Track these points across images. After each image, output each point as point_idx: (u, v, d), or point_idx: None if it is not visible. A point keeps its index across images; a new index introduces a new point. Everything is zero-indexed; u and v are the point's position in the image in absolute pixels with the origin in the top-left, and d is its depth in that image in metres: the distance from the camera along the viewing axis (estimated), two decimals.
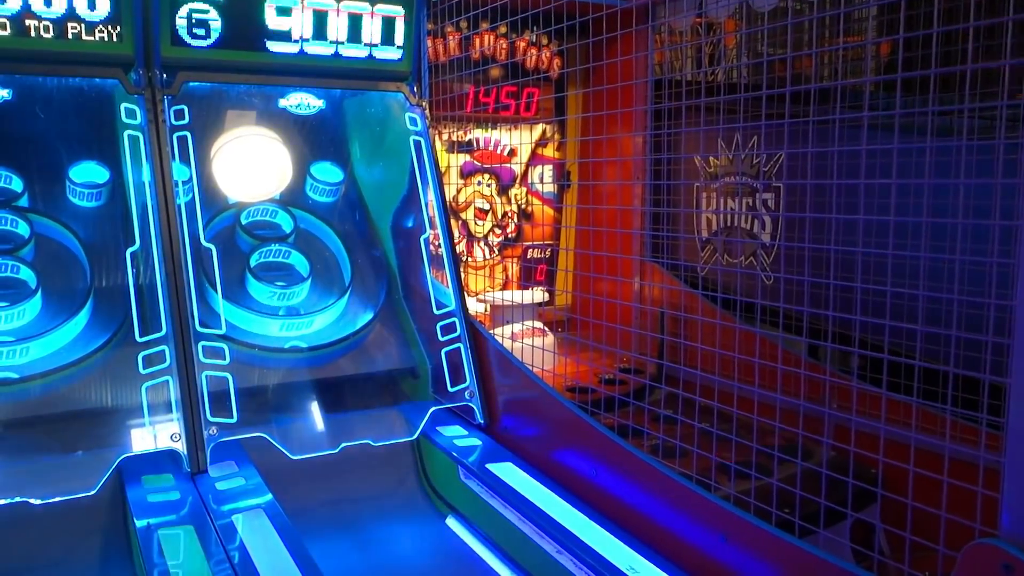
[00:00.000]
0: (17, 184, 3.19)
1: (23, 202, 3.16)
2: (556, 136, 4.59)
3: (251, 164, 3.62)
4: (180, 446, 2.74)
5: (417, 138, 3.54)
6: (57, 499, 2.51)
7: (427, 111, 3.59)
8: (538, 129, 4.60)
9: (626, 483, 2.56)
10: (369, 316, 3.58)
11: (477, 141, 4.46)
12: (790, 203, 3.45)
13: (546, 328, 4.10)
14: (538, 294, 4.47)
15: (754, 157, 3.65)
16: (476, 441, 3.16)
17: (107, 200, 3.30)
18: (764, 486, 2.54)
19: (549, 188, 4.66)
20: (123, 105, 2.99)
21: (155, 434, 2.74)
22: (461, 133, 4.38)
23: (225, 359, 2.91)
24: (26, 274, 3.06)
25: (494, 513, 2.80)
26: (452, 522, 3.02)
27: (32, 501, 2.47)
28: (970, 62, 1.75)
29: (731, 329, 3.22)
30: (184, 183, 3.09)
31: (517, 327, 3.95)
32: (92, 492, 2.57)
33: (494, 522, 2.80)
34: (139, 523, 2.41)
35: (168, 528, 2.40)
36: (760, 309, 3.34)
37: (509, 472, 2.89)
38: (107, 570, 2.63)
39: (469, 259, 4.41)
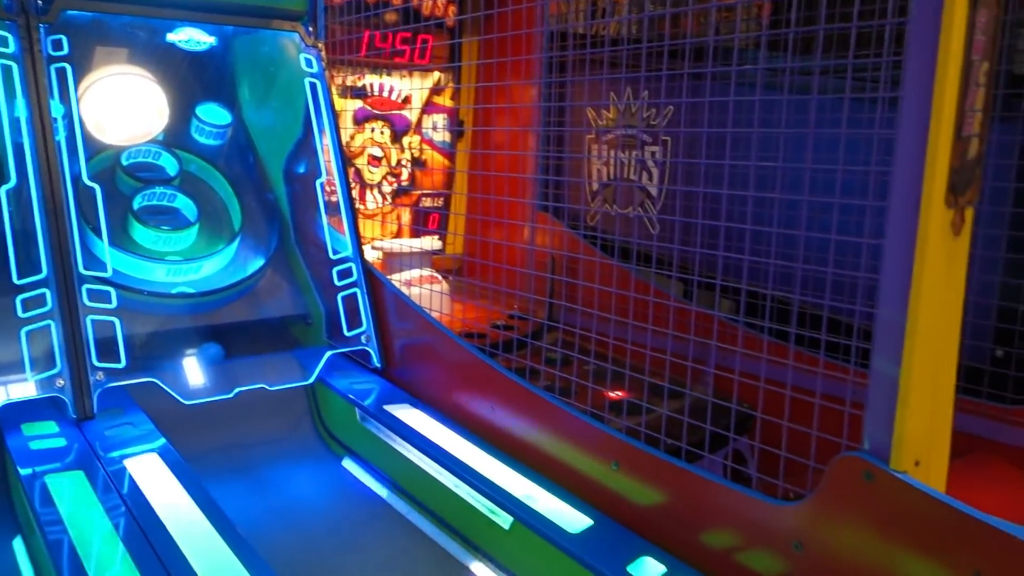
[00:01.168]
0: None
1: None
2: (450, 84, 4.58)
3: (128, 103, 3.45)
4: (64, 392, 2.64)
5: (313, 80, 3.47)
6: None
7: (323, 53, 3.52)
8: (433, 77, 4.57)
9: (521, 419, 2.66)
10: (261, 262, 3.52)
11: (371, 87, 4.40)
12: (676, 155, 3.60)
13: (440, 275, 4.14)
14: (432, 242, 4.50)
15: (644, 110, 3.78)
16: (373, 384, 3.19)
17: None
18: (653, 419, 2.70)
19: (443, 137, 4.66)
20: None
21: (36, 380, 2.62)
22: (355, 78, 4.30)
23: (111, 303, 2.81)
24: None
25: (392, 452, 2.85)
26: (349, 463, 3.06)
27: None
28: (822, 23, 1.90)
29: (614, 274, 3.37)
30: (63, 119, 2.92)
31: (411, 274, 3.97)
32: None
33: (392, 461, 2.86)
34: (23, 471, 2.32)
35: (55, 475, 2.33)
36: (637, 253, 3.50)
37: (407, 413, 2.95)
38: None
39: (362, 207, 4.37)
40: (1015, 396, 2.63)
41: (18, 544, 2.36)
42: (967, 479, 2.47)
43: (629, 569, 2.06)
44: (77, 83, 3.06)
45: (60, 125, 2.88)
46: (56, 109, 2.91)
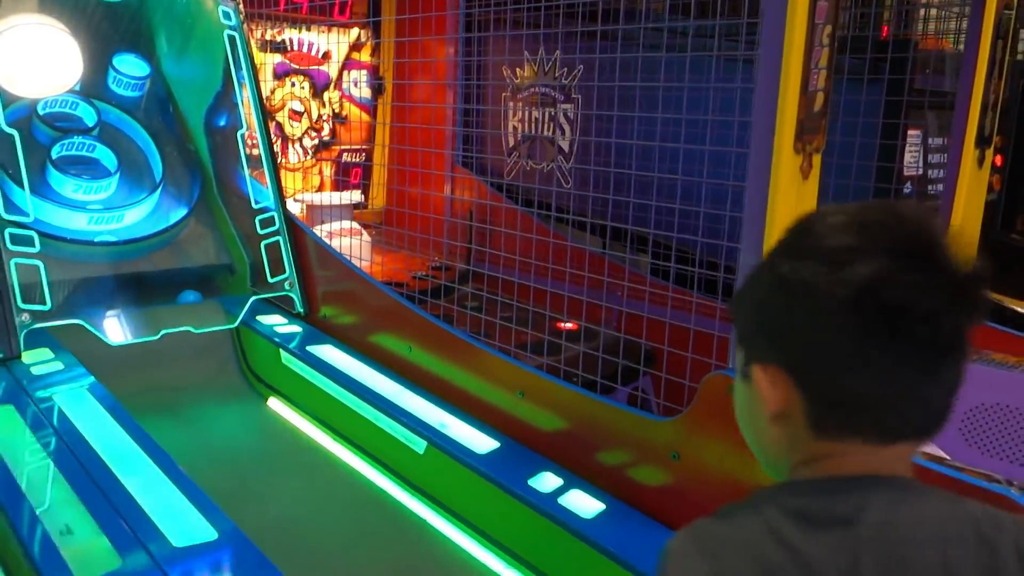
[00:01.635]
0: None
1: None
2: (370, 40, 4.67)
3: (42, 54, 3.45)
4: None
5: (231, 33, 3.54)
6: None
7: (240, 6, 3.58)
8: (352, 32, 4.65)
9: (436, 357, 2.86)
10: (183, 212, 3.60)
11: (290, 42, 4.46)
12: (586, 115, 3.81)
13: (362, 228, 4.27)
14: (354, 196, 4.62)
15: (556, 69, 3.96)
16: (297, 328, 3.33)
17: None
18: (555, 361, 2.93)
19: (363, 93, 4.75)
20: None
21: None
22: (274, 32, 4.36)
23: (35, 247, 2.87)
24: None
25: (315, 389, 3.02)
26: (274, 402, 3.21)
27: None
28: None
29: (530, 228, 3.58)
30: None
31: (333, 226, 4.09)
32: None
33: (315, 397, 3.03)
34: None
35: None
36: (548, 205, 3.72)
37: (329, 352, 3.11)
38: None
39: (284, 160, 4.45)
40: None
41: None
42: None
43: (530, 483, 2.29)
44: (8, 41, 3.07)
45: None
46: None
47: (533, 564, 2.20)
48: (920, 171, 3.12)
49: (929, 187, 3.13)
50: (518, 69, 4.10)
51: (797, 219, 0.85)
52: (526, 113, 4.14)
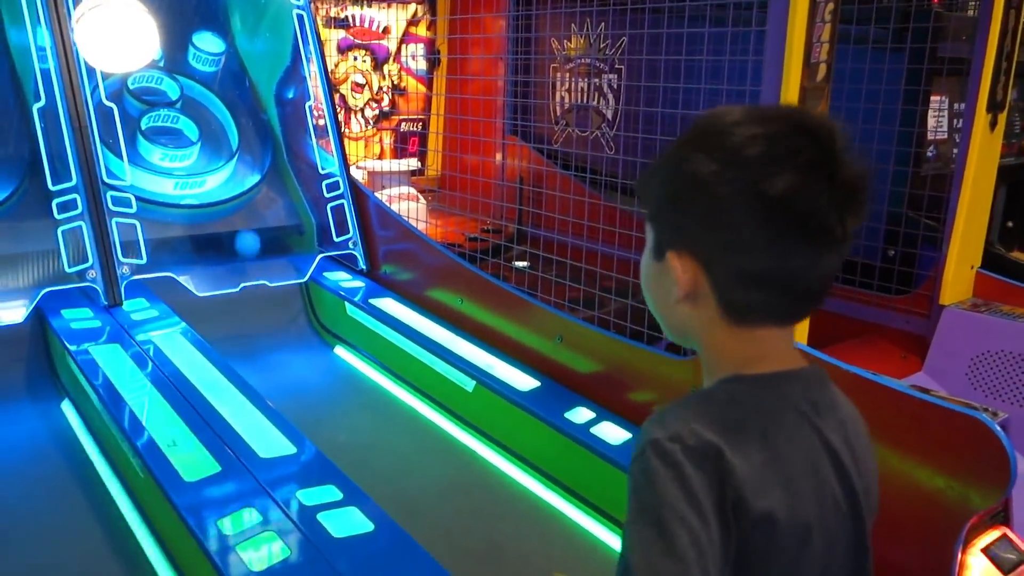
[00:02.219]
0: None
1: None
2: (427, 16, 4.94)
3: (129, 31, 3.78)
4: (96, 283, 3.10)
5: (300, 11, 3.85)
6: None
7: None
8: (410, 8, 4.93)
9: (485, 308, 3.15)
10: (257, 178, 3.94)
11: (353, 18, 4.76)
12: (628, 85, 4.02)
13: (418, 193, 4.58)
14: (412, 163, 4.93)
15: (601, 41, 4.18)
16: (360, 283, 3.66)
17: None
18: (601, 314, 3.19)
19: (421, 65, 5.04)
20: None
21: (72, 272, 3.07)
22: (338, 10, 4.66)
23: (132, 208, 3.24)
24: None
25: (377, 337, 3.35)
26: (340, 350, 3.55)
27: None
28: None
29: (576, 191, 3.83)
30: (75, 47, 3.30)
31: (393, 191, 4.41)
32: (21, 320, 2.92)
33: (376, 345, 3.36)
34: (71, 346, 2.79)
35: (97, 348, 2.81)
36: (595, 171, 3.96)
37: (389, 304, 3.43)
38: (31, 385, 3.01)
39: (347, 130, 4.77)
40: (899, 288, 3.13)
41: (66, 406, 2.86)
42: (857, 352, 2.99)
43: (566, 415, 2.57)
44: (84, 14, 3.42)
45: (75, 52, 3.26)
46: (70, 38, 3.28)
47: (568, 485, 2.49)
48: (945, 135, 3.27)
49: (955, 150, 3.27)
50: (565, 42, 4.33)
51: (705, 117, 0.91)
52: (573, 84, 4.37)
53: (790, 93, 1.98)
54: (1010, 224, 3.84)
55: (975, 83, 2.63)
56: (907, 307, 3.05)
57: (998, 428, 1.79)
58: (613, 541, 2.32)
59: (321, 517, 1.94)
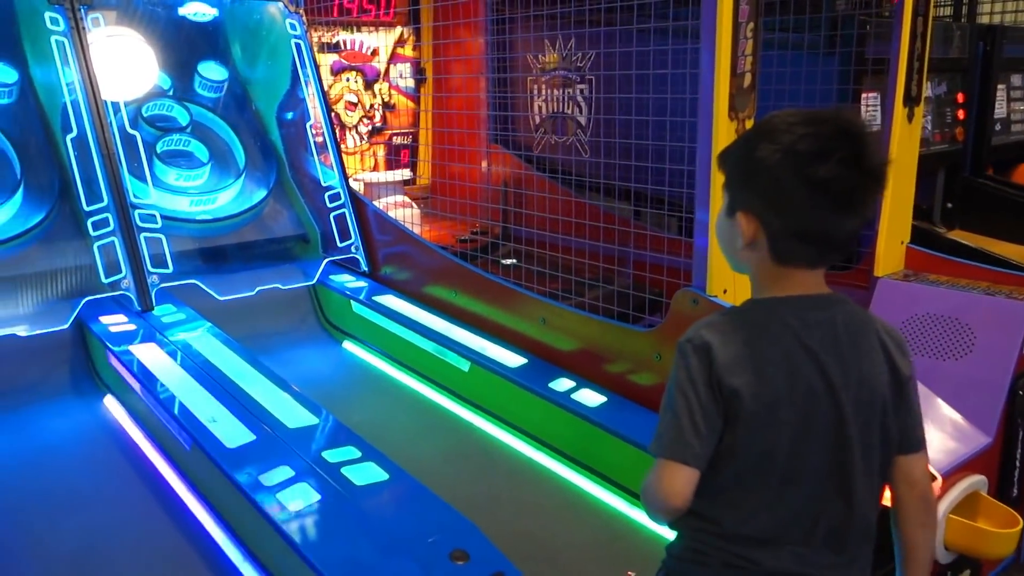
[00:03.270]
0: None
1: None
2: (412, 37, 5.34)
3: (142, 65, 4.16)
4: (129, 291, 3.47)
5: (298, 40, 4.24)
6: (38, 332, 3.22)
7: (304, 17, 4.27)
8: (396, 31, 5.33)
9: (476, 299, 3.54)
10: (264, 193, 4.32)
11: (344, 43, 5.15)
12: (598, 95, 4.42)
13: (411, 201, 4.96)
14: (404, 173, 5.32)
15: (572, 55, 4.58)
16: (363, 283, 4.04)
17: (17, 98, 3.82)
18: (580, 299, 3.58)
19: (408, 83, 5.44)
20: (47, 14, 3.53)
21: (107, 283, 3.45)
22: (330, 35, 5.05)
23: (157, 223, 3.62)
24: None
25: (381, 331, 3.72)
26: (348, 344, 3.93)
27: (19, 333, 3.18)
28: None
29: (556, 193, 4.23)
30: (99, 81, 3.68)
31: (388, 200, 4.79)
32: (65, 326, 3.30)
33: (381, 337, 3.73)
34: (113, 347, 3.16)
35: (136, 347, 3.17)
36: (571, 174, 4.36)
37: (391, 301, 3.81)
38: (76, 384, 3.37)
39: (343, 146, 5.15)
40: (842, 264, 3.52)
41: (108, 400, 3.22)
42: None
43: (550, 385, 2.95)
44: (106, 51, 3.80)
45: (99, 86, 3.63)
46: (95, 73, 3.66)
47: (554, 445, 2.87)
48: (879, 127, 3.67)
49: None
50: (540, 56, 4.73)
51: (772, 116, 1.30)
52: (549, 94, 4.77)
53: (721, 99, 2.38)
54: (949, 205, 4.24)
55: (892, 81, 3.02)
56: (850, 281, 3.43)
57: None
58: (594, 490, 2.70)
59: (344, 470, 2.31)
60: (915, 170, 3.18)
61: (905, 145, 3.08)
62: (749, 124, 2.47)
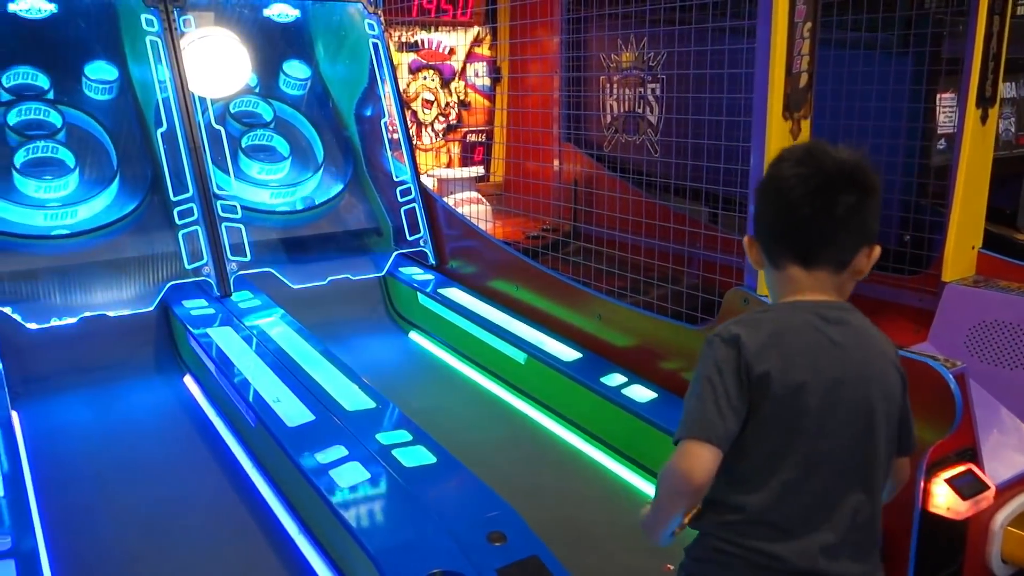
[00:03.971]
0: (43, 81, 3.93)
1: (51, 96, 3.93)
2: (488, 37, 5.45)
3: (231, 63, 4.39)
4: (209, 277, 3.68)
5: (375, 40, 4.39)
6: (125, 312, 3.46)
7: (382, 17, 4.42)
8: (473, 31, 5.44)
9: (536, 294, 3.61)
10: (340, 187, 4.49)
11: (422, 42, 5.30)
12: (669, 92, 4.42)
13: (482, 197, 5.07)
14: (476, 171, 5.43)
15: (644, 54, 4.59)
16: (430, 276, 4.16)
17: (117, 94, 4.09)
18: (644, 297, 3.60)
19: (484, 82, 5.54)
20: (143, 16, 3.78)
21: (190, 269, 3.67)
22: (409, 35, 5.20)
23: (238, 214, 3.82)
24: (64, 154, 3.88)
25: (445, 322, 3.83)
26: (414, 335, 4.05)
27: (109, 314, 3.42)
28: None
29: (625, 192, 4.25)
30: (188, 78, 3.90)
31: (460, 196, 4.91)
32: (151, 309, 3.52)
33: (445, 329, 3.84)
34: (193, 329, 3.37)
35: (213, 330, 3.37)
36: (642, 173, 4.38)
37: (456, 294, 3.92)
38: (159, 362, 3.60)
39: (418, 142, 5.30)
40: (911, 268, 3.44)
41: (188, 379, 3.43)
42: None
43: (602, 380, 3.00)
44: (196, 50, 4.04)
45: (188, 83, 3.86)
46: (185, 71, 3.89)
47: (603, 438, 2.91)
48: (954, 128, 3.56)
49: None
50: (613, 55, 4.76)
51: (779, 152, 1.47)
52: (621, 94, 4.79)
53: (775, 98, 2.37)
54: None
55: (965, 81, 2.94)
56: (919, 286, 3.35)
57: (948, 374, 2.13)
58: (640, 483, 2.73)
59: (395, 452, 2.41)
60: (988, 173, 3.08)
61: (978, 148, 2.99)
62: (804, 124, 2.46)
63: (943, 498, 2.24)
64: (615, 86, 4.85)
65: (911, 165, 3.44)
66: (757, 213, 1.46)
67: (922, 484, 2.21)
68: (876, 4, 3.19)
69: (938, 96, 3.43)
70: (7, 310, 3.27)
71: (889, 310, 3.50)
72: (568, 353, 3.24)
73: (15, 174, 3.63)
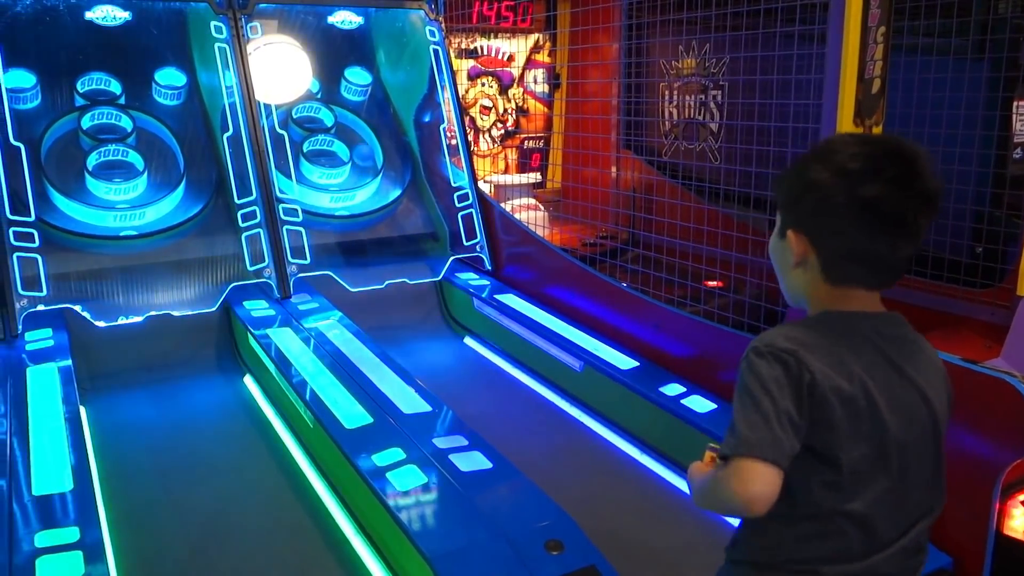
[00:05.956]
0: (116, 87, 4.06)
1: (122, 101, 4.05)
2: (547, 44, 5.44)
3: (294, 69, 4.45)
4: (270, 279, 3.74)
5: (436, 47, 4.42)
6: (189, 312, 3.53)
7: (443, 24, 4.45)
8: (533, 38, 5.45)
9: (593, 301, 3.57)
10: (398, 192, 4.53)
11: (481, 49, 5.32)
12: (731, 98, 4.35)
13: (539, 203, 5.06)
14: (533, 177, 5.43)
15: (706, 60, 4.53)
16: (486, 282, 4.16)
17: (185, 99, 4.19)
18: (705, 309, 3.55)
19: (542, 88, 5.54)
20: (212, 23, 3.87)
21: (252, 271, 3.73)
22: (468, 42, 5.23)
23: (299, 218, 3.88)
24: (133, 157, 3.98)
25: (501, 328, 3.82)
26: (469, 340, 4.06)
27: (173, 313, 3.49)
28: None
29: (684, 199, 4.20)
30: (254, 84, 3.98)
31: (516, 202, 4.91)
32: (213, 309, 3.59)
33: (500, 335, 3.83)
34: (254, 330, 3.42)
35: (273, 331, 3.42)
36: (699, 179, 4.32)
37: (511, 300, 3.91)
38: (220, 362, 3.67)
39: (476, 148, 5.33)
40: (984, 282, 3.32)
41: (248, 379, 3.48)
42: (943, 342, 3.20)
43: (660, 390, 2.95)
44: (262, 57, 4.11)
45: (253, 89, 3.93)
46: (251, 77, 3.97)
47: (660, 448, 2.87)
48: None
49: None
50: (673, 62, 4.71)
51: (824, 139, 1.29)
52: (680, 100, 4.74)
53: (846, 104, 2.31)
54: None
55: None
56: (992, 300, 3.23)
57: None
58: None
59: (451, 457, 2.41)
60: None
61: None
62: (877, 131, 2.39)
63: (1020, 520, 2.15)
64: (675, 93, 4.80)
65: (985, 175, 3.33)
66: (820, 217, 1.26)
67: (997, 506, 2.12)
68: (950, 9, 3.09)
69: (1015, 104, 3.31)
70: (77, 308, 3.37)
71: (959, 324, 3.39)
72: (626, 362, 3.20)
73: (87, 176, 3.74)
